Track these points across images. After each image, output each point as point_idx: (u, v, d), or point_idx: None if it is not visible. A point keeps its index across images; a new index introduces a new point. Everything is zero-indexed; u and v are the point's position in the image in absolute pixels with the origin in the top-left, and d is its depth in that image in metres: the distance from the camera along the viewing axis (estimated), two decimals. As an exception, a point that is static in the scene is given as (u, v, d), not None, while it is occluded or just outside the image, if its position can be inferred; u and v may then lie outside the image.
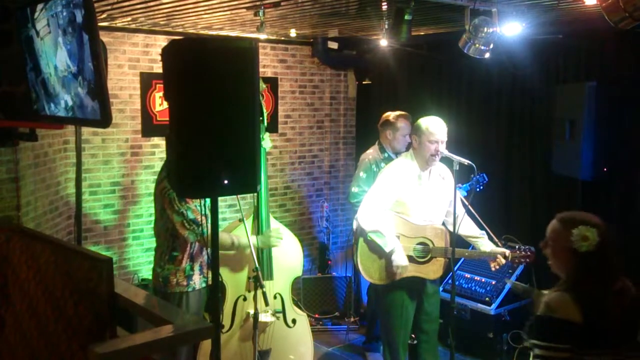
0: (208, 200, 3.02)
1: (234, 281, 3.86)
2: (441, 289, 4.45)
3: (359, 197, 4.44)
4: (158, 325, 2.00)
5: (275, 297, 3.85)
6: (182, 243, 3.39)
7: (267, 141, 3.72)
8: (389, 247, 3.64)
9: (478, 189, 4.17)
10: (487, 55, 3.84)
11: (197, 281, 3.46)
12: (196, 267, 3.45)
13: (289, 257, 4.03)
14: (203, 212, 3.24)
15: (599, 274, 2.28)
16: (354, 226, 4.84)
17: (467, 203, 3.86)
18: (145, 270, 5.18)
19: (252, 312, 3.68)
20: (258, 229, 3.82)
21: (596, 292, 2.24)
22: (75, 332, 2.17)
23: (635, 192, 4.10)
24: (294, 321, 3.98)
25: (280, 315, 3.88)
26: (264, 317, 3.70)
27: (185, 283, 3.42)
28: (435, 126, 3.68)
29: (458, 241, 3.80)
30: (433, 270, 3.80)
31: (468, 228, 3.90)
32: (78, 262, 2.22)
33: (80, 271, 2.19)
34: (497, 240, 3.91)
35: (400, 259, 3.63)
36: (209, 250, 3.23)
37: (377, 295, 4.03)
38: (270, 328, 3.88)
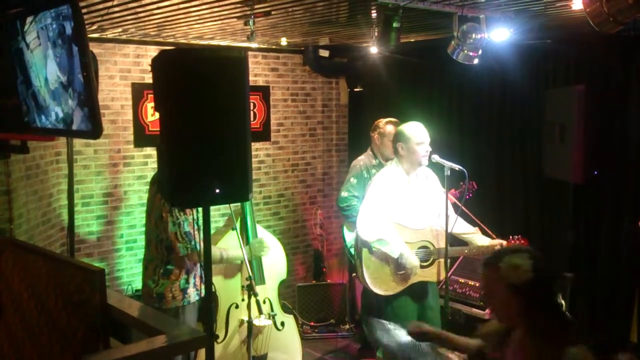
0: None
1: (226, 290, 3.89)
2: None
3: (348, 202, 4.45)
4: (151, 336, 1.99)
5: (264, 302, 3.88)
6: (178, 256, 3.33)
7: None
8: (396, 252, 3.67)
9: (467, 197, 4.21)
10: (475, 61, 3.87)
11: (192, 294, 3.42)
12: (191, 280, 3.41)
13: (274, 261, 4.10)
14: (195, 225, 3.25)
15: (549, 305, 1.92)
16: (345, 235, 4.83)
17: (459, 204, 3.90)
18: (139, 281, 5.15)
19: (245, 319, 3.71)
20: (246, 237, 3.88)
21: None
22: (69, 344, 2.17)
23: (625, 195, 4.13)
24: (282, 324, 4.04)
25: (274, 316, 3.94)
26: (259, 322, 3.72)
27: (180, 297, 3.37)
28: (418, 129, 3.81)
29: (455, 241, 3.82)
30: (437, 272, 3.83)
31: (461, 226, 3.93)
32: (70, 273, 2.21)
33: (72, 283, 2.19)
34: (491, 233, 3.94)
35: (411, 260, 3.67)
36: (201, 262, 3.23)
37: (378, 304, 3.99)
38: (266, 332, 3.90)
